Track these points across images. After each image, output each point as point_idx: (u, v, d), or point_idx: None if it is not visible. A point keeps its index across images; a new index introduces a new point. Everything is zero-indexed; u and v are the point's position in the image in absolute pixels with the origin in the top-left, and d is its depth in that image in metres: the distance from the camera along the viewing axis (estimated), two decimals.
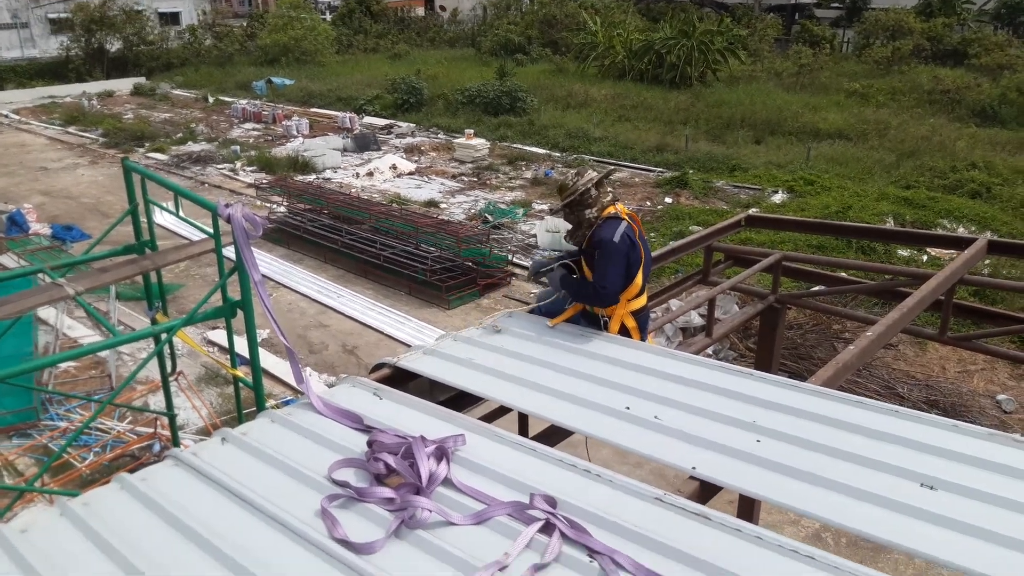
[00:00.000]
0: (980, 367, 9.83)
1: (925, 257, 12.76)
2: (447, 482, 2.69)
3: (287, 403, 3.20)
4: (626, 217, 3.98)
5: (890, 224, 13.91)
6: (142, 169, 4.99)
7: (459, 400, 3.70)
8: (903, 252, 12.86)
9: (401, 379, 3.69)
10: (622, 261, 3.87)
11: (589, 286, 3.95)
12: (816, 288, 6.64)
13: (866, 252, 12.66)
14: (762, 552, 2.31)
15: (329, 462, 2.79)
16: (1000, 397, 9.06)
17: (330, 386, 3.59)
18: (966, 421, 3.33)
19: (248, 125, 26.57)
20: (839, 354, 4.07)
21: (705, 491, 2.84)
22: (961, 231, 13.64)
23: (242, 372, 4.84)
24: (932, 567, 6.29)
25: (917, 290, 4.87)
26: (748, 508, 5.21)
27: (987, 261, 11.79)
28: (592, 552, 2.33)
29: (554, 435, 3.77)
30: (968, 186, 15.95)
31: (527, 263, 13.30)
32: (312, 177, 19.48)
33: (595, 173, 4.05)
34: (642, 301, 4.10)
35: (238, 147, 22.31)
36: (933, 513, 2.44)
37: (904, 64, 28.11)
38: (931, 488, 2.57)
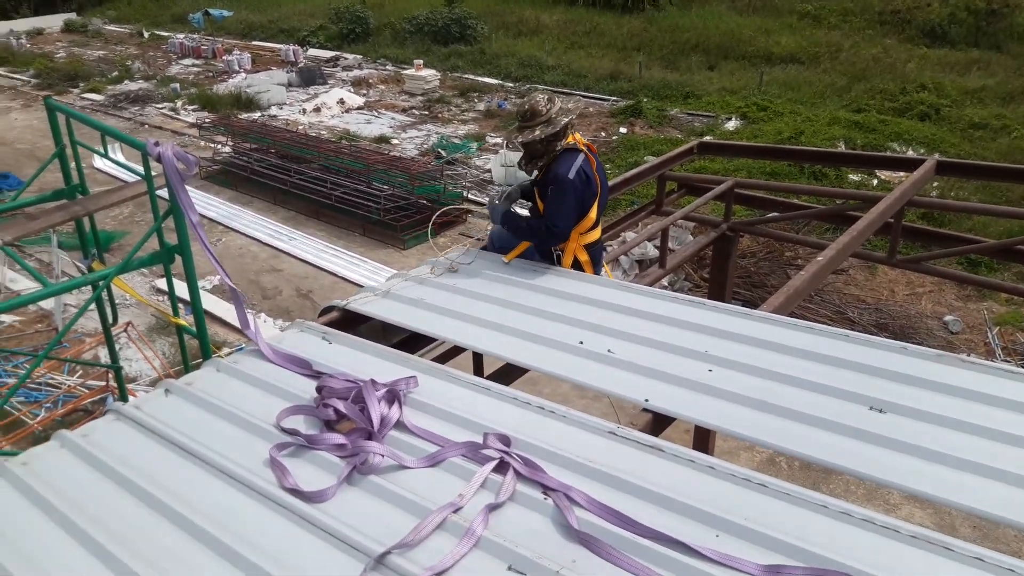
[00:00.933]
0: (928, 289, 10.07)
1: (875, 181, 12.92)
2: (399, 425, 2.65)
3: (240, 351, 3.13)
4: (583, 148, 3.87)
5: (841, 148, 13.99)
6: (66, 108, 4.71)
7: (412, 342, 3.64)
8: (854, 176, 12.99)
9: (354, 322, 3.61)
10: (574, 199, 3.78)
11: (539, 224, 3.86)
12: (769, 215, 6.67)
13: (818, 178, 12.75)
14: (716, 482, 2.33)
15: (278, 410, 2.72)
16: (947, 318, 9.32)
17: (283, 331, 3.49)
18: (915, 343, 3.39)
19: (187, 61, 25.47)
20: (791, 280, 4.09)
21: (659, 423, 2.85)
22: (911, 153, 13.79)
23: (189, 320, 4.70)
24: (880, 488, 6.53)
25: (867, 213, 4.90)
26: (704, 437, 5.30)
27: (935, 184, 11.98)
28: (547, 489, 2.32)
29: (509, 374, 3.75)
30: (918, 108, 16.07)
31: (483, 199, 13.15)
32: (257, 115, 18.84)
33: (560, 101, 3.86)
34: (596, 235, 4.04)
35: (177, 85, 21.41)
36: (882, 436, 2.47)
37: None
38: (880, 411, 2.60)
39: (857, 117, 15.78)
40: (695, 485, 2.31)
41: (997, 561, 1.95)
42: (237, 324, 9.20)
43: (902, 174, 12.18)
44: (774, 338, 3.10)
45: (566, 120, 3.79)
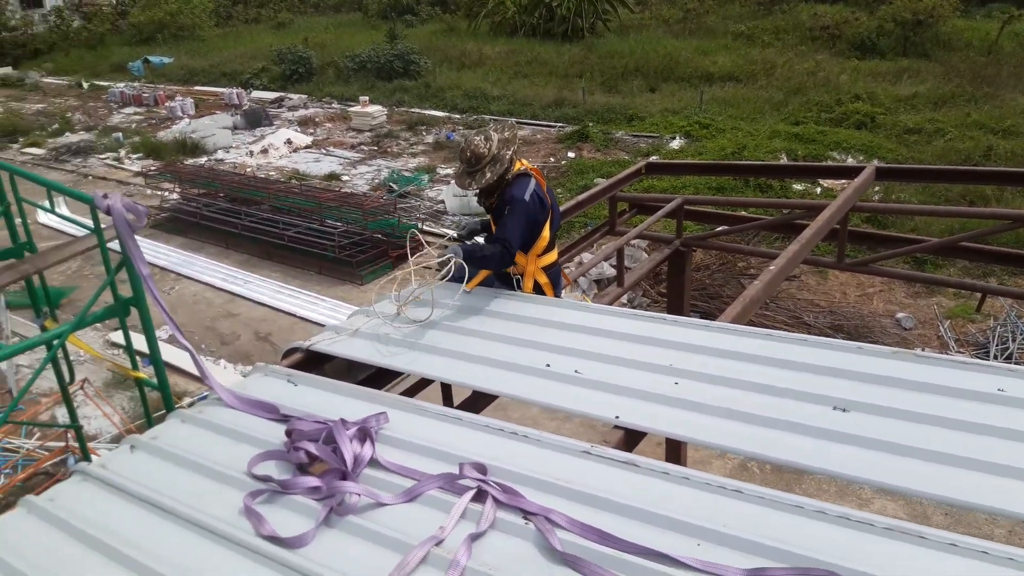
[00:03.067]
0: (878, 289, 10.35)
1: (819, 190, 13.27)
2: (373, 463, 2.63)
3: (200, 401, 3.07)
4: (532, 173, 3.94)
5: (784, 160, 14.38)
6: (8, 166, 4.61)
7: (378, 377, 3.63)
8: (798, 187, 13.34)
9: (317, 362, 3.59)
10: (526, 218, 3.83)
11: (493, 248, 3.85)
12: (719, 228, 6.82)
13: (763, 190, 13.06)
14: (691, 492, 2.36)
15: (248, 457, 2.68)
16: (899, 316, 9.58)
17: (246, 376, 3.45)
18: (870, 342, 3.48)
19: (129, 110, 25.11)
20: (746, 290, 4.18)
21: (630, 438, 2.89)
22: (850, 161, 14.23)
23: (148, 373, 4.60)
24: (852, 484, 6.65)
25: (813, 221, 5.05)
26: (676, 449, 5.34)
27: (876, 188, 12.36)
28: (527, 514, 2.32)
29: (479, 401, 3.75)
30: (853, 118, 16.61)
31: (439, 231, 13.16)
32: (203, 159, 18.63)
33: (496, 134, 3.93)
34: (552, 256, 4.09)
35: (120, 134, 21.08)
36: (847, 434, 2.54)
37: (785, 3, 28.86)
38: (843, 410, 2.67)
39: (796, 129, 16.24)
40: (672, 496, 2.34)
41: (970, 545, 2.01)
42: (197, 374, 9.05)
43: (844, 181, 12.57)
44: (735, 347, 3.17)
45: (510, 152, 3.84)
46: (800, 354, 3.05)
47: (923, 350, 3.08)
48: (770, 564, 2.05)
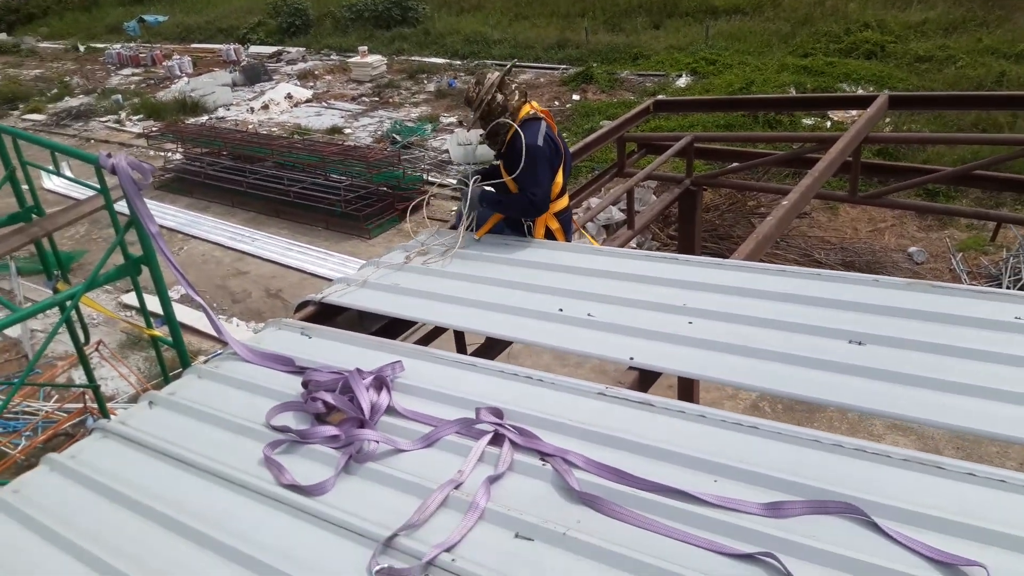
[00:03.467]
0: (890, 224, 10.25)
1: (829, 123, 13.06)
2: (390, 410, 2.65)
3: (214, 357, 3.09)
4: (542, 116, 3.87)
5: (793, 94, 14.11)
6: (12, 130, 4.58)
7: (391, 328, 3.64)
8: (807, 121, 13.12)
9: (329, 315, 3.59)
10: (547, 164, 3.78)
11: (519, 197, 3.82)
12: (730, 166, 6.72)
13: (772, 126, 12.84)
14: (708, 429, 2.36)
15: (265, 409, 2.70)
16: (911, 250, 9.50)
17: (260, 331, 3.46)
18: None
19: (127, 71, 24.84)
20: (759, 227, 4.14)
21: (644, 380, 2.89)
22: (860, 92, 13.95)
23: (162, 332, 4.63)
24: (863, 420, 6.68)
25: (826, 154, 4.96)
26: (688, 391, 5.37)
27: (887, 120, 12.15)
28: (544, 455, 2.34)
29: (491, 349, 3.76)
30: (863, 47, 16.22)
31: (445, 181, 13.07)
32: (204, 118, 18.47)
33: (494, 74, 3.89)
34: (564, 202, 4.04)
35: (119, 96, 20.89)
36: (864, 367, 2.52)
37: None
38: (859, 343, 2.66)
39: (805, 62, 15.89)
40: (688, 435, 2.35)
41: (988, 474, 2.01)
42: (209, 331, 9.12)
43: (854, 113, 12.34)
44: (749, 284, 3.14)
45: (500, 97, 3.78)
46: (815, 288, 3.03)
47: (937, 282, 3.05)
48: (788, 497, 2.06)
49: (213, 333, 9.23)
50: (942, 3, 18.31)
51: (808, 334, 2.76)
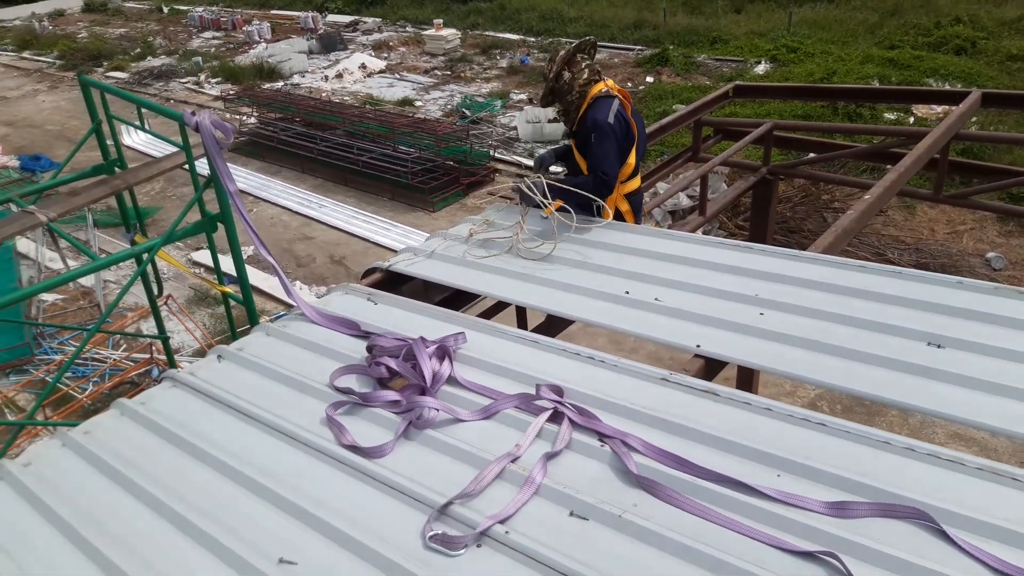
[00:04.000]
0: (969, 227, 9.83)
1: (912, 119, 12.57)
2: (451, 380, 2.66)
3: (280, 318, 3.15)
4: (617, 94, 3.80)
5: (877, 86, 13.60)
6: (101, 84, 4.73)
7: (455, 299, 3.64)
8: (889, 115, 12.64)
9: (394, 283, 3.62)
10: (616, 143, 3.71)
11: (586, 179, 3.77)
12: (809, 156, 6.52)
13: (851, 118, 12.44)
14: (774, 423, 2.31)
15: (329, 370, 2.74)
16: (990, 255, 9.10)
17: (320, 298, 3.51)
18: None
19: (207, 34, 25.45)
20: (838, 220, 4.01)
21: (710, 369, 2.83)
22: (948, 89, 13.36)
23: (233, 289, 4.74)
24: (926, 425, 6.46)
25: (913, 149, 4.76)
26: (746, 385, 5.26)
27: (974, 119, 11.62)
28: (602, 436, 2.32)
29: (552, 327, 3.74)
30: (953, 42, 15.54)
31: (510, 158, 13.04)
32: (280, 84, 18.81)
33: (564, 51, 3.83)
34: (636, 183, 3.98)
35: (200, 58, 21.42)
36: (942, 371, 2.42)
37: None
38: (939, 346, 2.55)
39: (891, 54, 15.31)
40: (753, 427, 2.29)
41: None
42: (274, 292, 9.33)
43: (939, 110, 11.84)
44: (825, 278, 3.04)
45: (569, 73, 3.74)
46: (895, 287, 2.91)
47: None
48: (853, 498, 1.99)
49: (278, 295, 9.49)
50: None
51: (886, 333, 2.66)
